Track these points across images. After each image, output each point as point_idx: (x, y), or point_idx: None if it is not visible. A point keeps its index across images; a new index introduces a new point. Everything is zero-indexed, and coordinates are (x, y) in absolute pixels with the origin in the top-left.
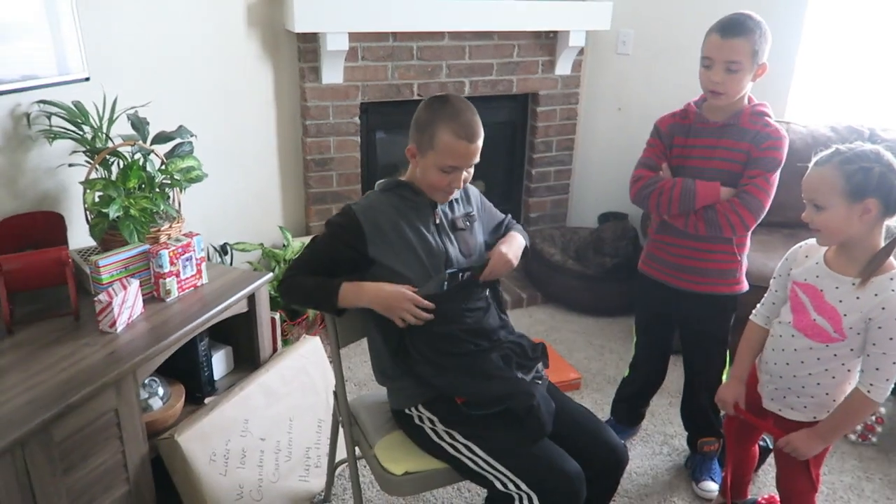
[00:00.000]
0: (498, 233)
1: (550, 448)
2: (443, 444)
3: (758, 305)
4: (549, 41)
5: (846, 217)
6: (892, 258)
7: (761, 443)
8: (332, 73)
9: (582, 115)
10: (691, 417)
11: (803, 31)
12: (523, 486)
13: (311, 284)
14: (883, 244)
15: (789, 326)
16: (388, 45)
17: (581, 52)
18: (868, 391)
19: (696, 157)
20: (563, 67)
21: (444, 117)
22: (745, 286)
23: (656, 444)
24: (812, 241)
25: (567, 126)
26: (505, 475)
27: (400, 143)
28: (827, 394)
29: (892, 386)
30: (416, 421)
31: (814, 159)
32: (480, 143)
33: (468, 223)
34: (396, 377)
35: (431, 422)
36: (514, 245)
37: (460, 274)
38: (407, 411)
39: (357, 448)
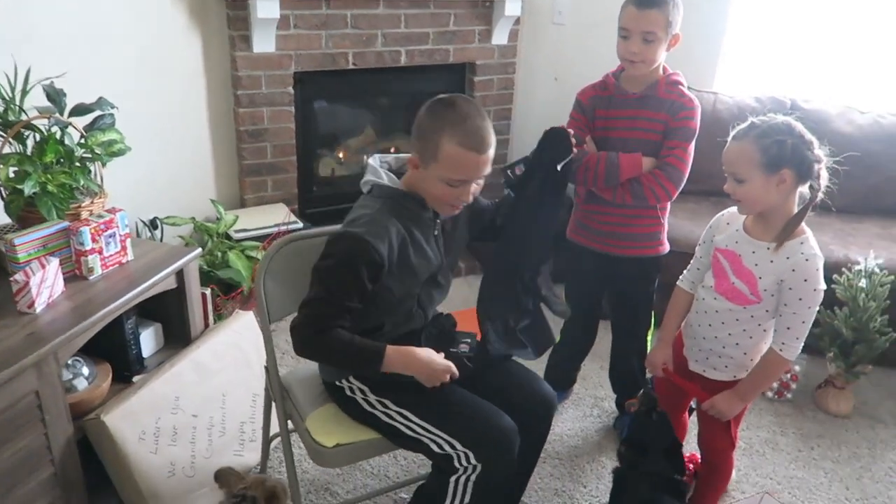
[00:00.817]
0: (482, 221)
1: (483, 406)
2: (375, 412)
3: (684, 271)
4: (485, 10)
5: (764, 188)
6: (803, 224)
7: None
8: (264, 42)
9: (519, 85)
10: (619, 379)
11: (731, 3)
12: (458, 446)
13: (345, 347)
14: (796, 210)
15: (711, 290)
16: (322, 14)
17: (517, 21)
18: (781, 349)
19: (619, 128)
20: (500, 37)
21: (448, 124)
22: (668, 247)
23: (587, 406)
24: (734, 209)
25: (504, 96)
26: (440, 437)
27: (339, 113)
28: (745, 353)
29: (803, 344)
30: (348, 392)
31: (732, 133)
32: (492, 152)
33: (452, 224)
34: None
35: (362, 392)
36: None
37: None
38: (338, 383)
39: (290, 422)
